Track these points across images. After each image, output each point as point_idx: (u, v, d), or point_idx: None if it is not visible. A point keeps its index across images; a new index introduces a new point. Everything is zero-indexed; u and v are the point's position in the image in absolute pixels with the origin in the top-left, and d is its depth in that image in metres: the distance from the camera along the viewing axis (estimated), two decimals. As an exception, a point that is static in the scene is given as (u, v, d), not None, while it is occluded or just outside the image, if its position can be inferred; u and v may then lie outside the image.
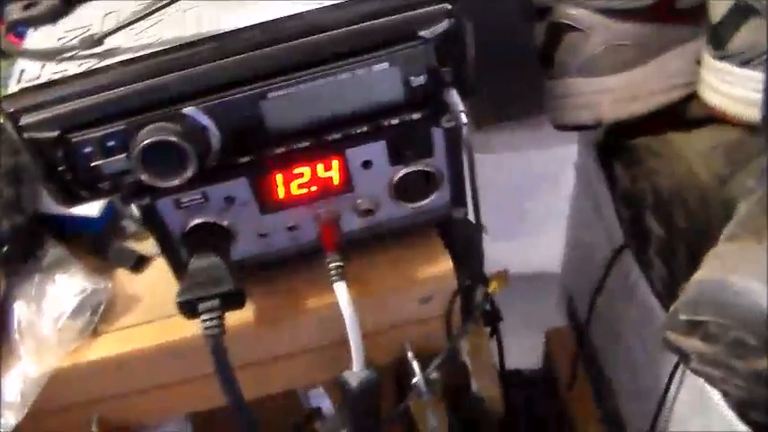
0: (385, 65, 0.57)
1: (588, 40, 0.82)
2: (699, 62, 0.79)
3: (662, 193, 0.77)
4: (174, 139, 0.56)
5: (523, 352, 1.25)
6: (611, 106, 0.83)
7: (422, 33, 0.57)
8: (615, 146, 0.88)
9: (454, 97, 0.59)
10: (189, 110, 0.57)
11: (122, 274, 0.75)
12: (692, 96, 0.81)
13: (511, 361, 0.99)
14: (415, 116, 0.61)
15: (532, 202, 1.16)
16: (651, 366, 0.90)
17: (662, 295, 0.83)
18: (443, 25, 0.57)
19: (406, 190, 0.67)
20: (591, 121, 0.85)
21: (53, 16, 0.65)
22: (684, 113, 0.83)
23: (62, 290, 0.70)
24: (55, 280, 0.71)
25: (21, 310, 0.70)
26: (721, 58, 0.74)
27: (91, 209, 0.74)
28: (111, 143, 0.57)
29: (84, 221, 0.75)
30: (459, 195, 0.69)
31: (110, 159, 0.58)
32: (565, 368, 1.14)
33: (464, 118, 0.58)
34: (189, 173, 0.57)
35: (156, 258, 0.75)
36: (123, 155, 0.58)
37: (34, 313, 0.70)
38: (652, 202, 0.79)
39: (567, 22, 0.83)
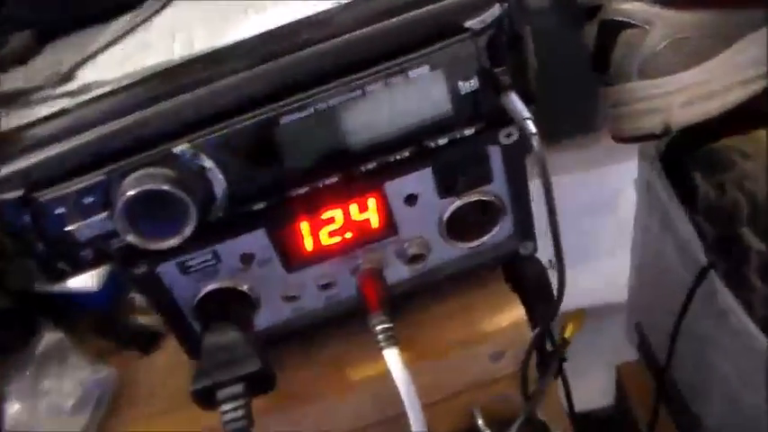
0: (425, 69, 0.42)
1: (647, 37, 0.67)
2: (776, 46, 0.64)
3: (760, 200, 0.61)
4: (165, 187, 0.41)
5: (593, 391, 1.08)
6: (682, 109, 0.68)
7: (468, 24, 0.42)
8: (689, 154, 0.72)
9: (516, 102, 0.43)
10: (181, 149, 0.42)
11: (132, 358, 0.60)
12: (772, 88, 0.65)
13: (580, 402, 0.83)
14: (468, 132, 0.46)
15: (591, 228, 1.00)
16: (757, 400, 0.72)
17: (765, 320, 0.66)
18: (494, 12, 0.42)
19: (461, 227, 0.52)
20: (659, 129, 0.69)
21: (23, 56, 0.51)
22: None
23: (59, 383, 0.55)
24: (50, 371, 0.56)
25: (13, 410, 0.55)
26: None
27: (88, 282, 0.59)
28: (88, 200, 0.43)
29: (86, 297, 0.60)
30: (525, 226, 0.54)
31: (88, 221, 0.43)
32: (641, 406, 0.97)
33: (532, 126, 0.42)
34: (188, 229, 0.42)
35: (171, 335, 0.60)
36: (105, 213, 0.43)
37: (29, 412, 0.55)
38: (749, 213, 0.63)
39: (620, 18, 0.68)
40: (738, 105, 0.67)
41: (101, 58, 0.47)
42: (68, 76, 0.45)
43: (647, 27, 0.67)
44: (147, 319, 0.61)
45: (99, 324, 0.61)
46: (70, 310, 0.61)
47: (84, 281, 0.59)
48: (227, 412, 0.45)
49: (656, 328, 0.96)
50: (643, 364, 1.02)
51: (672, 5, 0.66)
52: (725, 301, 0.73)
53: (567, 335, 0.63)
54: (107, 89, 0.44)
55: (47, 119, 0.44)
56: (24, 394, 0.55)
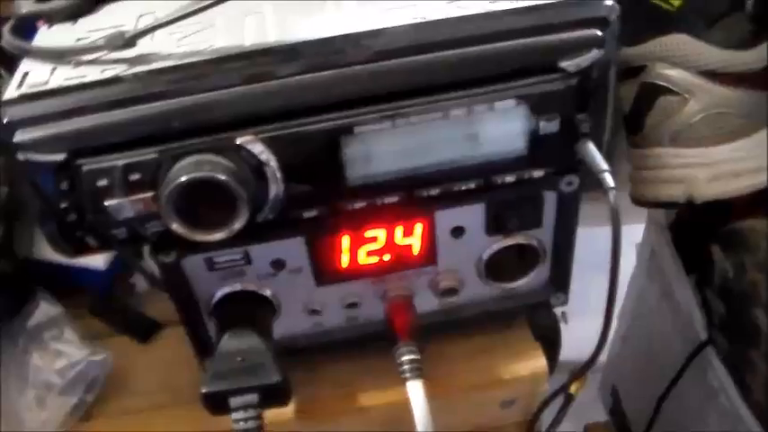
0: (511, 102, 0.40)
1: (685, 106, 0.66)
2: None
3: (782, 288, 0.59)
4: (222, 177, 0.37)
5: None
6: (708, 183, 0.66)
7: (564, 65, 0.39)
8: (706, 227, 0.71)
9: (594, 153, 0.41)
10: (245, 140, 0.39)
11: (128, 344, 0.56)
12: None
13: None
14: (537, 174, 0.43)
15: (583, 285, 0.97)
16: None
17: (760, 405, 0.64)
18: (591, 57, 0.40)
19: (498, 267, 0.49)
20: (681, 199, 0.67)
21: (74, 13, 0.47)
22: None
23: (51, 359, 0.51)
24: (43, 346, 0.51)
25: (-4, 381, 0.51)
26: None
27: (96, 259, 0.55)
28: (134, 176, 0.39)
29: (88, 274, 0.56)
30: (562, 277, 0.51)
31: (131, 198, 0.39)
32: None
33: (611, 181, 0.40)
34: (238, 225, 0.39)
35: (171, 327, 0.56)
36: (150, 194, 0.39)
37: (14, 387, 0.50)
38: (767, 298, 0.61)
39: (662, 83, 0.66)
40: (765, 189, 0.65)
41: (161, 30, 0.43)
42: (131, 42, 0.41)
43: (686, 96, 0.65)
44: (148, 307, 0.57)
45: (97, 304, 0.57)
46: (68, 284, 0.56)
47: (92, 258, 0.55)
48: (238, 421, 0.42)
49: (634, 395, 0.94)
50: (612, 429, 1.00)
51: (716, 80, 0.64)
52: (718, 380, 0.72)
53: (572, 391, 0.60)
54: (169, 63, 0.41)
55: (101, 83, 0.40)
56: (11, 366, 0.51)
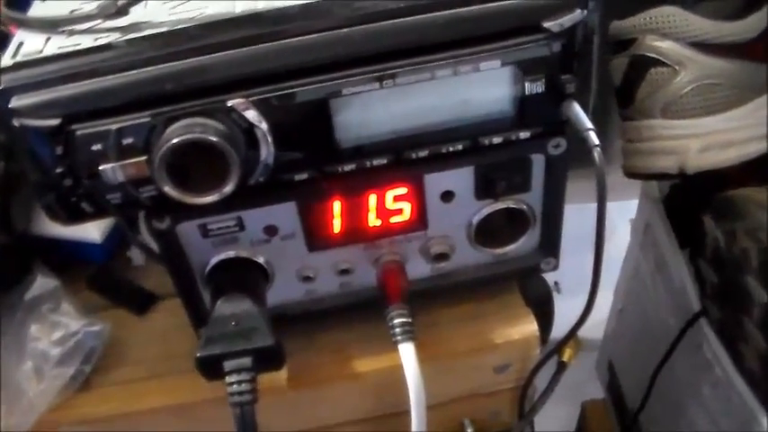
0: (496, 63, 0.41)
1: (676, 77, 0.67)
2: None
3: (772, 253, 0.60)
4: (213, 138, 0.38)
5: (552, 421, 1.07)
6: (700, 153, 0.67)
7: (547, 25, 0.40)
8: (698, 198, 0.72)
9: (579, 112, 0.42)
10: (235, 102, 0.40)
11: (125, 316, 0.57)
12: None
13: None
14: (523, 135, 0.44)
15: (576, 261, 0.99)
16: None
17: (753, 374, 0.66)
18: (575, 17, 0.41)
19: (488, 232, 0.50)
20: (674, 170, 0.68)
21: (66, -15, 0.48)
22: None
23: (48, 330, 0.52)
24: (40, 318, 0.53)
25: (-6, 352, 0.52)
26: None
27: (92, 232, 0.56)
28: (127, 140, 0.40)
29: (84, 247, 0.57)
30: (551, 242, 0.52)
31: (125, 162, 0.40)
32: (602, 445, 0.96)
33: (595, 138, 0.41)
34: (229, 187, 0.40)
35: (167, 299, 0.57)
36: (143, 158, 0.40)
37: (12, 357, 0.52)
38: (759, 264, 0.62)
39: (652, 55, 0.67)
40: (756, 158, 0.66)
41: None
42: (123, 11, 0.43)
43: (677, 68, 0.66)
44: (143, 280, 0.58)
45: (94, 277, 0.58)
46: (65, 258, 0.57)
47: (88, 231, 0.56)
48: (232, 384, 0.43)
49: (630, 370, 0.95)
50: (609, 405, 1.01)
51: (706, 51, 0.65)
52: (711, 351, 0.73)
53: (565, 358, 0.62)
54: (160, 30, 0.42)
55: (94, 50, 0.41)
56: (9, 337, 0.52)
